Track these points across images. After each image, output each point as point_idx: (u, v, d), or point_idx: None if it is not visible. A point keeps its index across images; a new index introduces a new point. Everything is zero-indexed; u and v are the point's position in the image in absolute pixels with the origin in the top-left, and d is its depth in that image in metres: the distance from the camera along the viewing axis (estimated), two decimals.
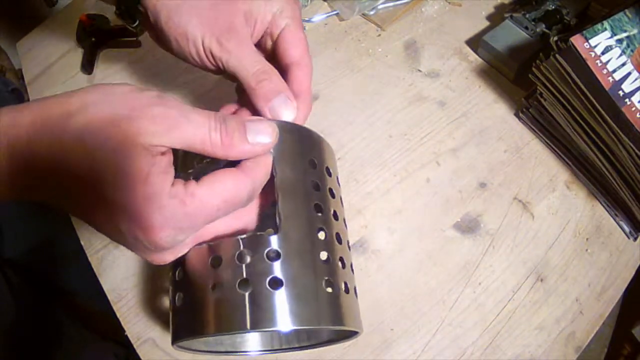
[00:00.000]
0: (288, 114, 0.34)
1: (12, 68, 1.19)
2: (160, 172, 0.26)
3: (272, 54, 0.38)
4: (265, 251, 0.29)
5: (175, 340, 0.31)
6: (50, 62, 0.61)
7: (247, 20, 0.36)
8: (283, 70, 0.37)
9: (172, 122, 0.27)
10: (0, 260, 0.65)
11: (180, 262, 0.31)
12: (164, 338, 0.43)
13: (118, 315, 0.45)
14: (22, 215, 0.68)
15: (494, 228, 0.48)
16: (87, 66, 0.59)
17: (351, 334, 0.35)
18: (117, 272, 0.47)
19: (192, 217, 0.27)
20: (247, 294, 0.28)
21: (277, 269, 0.29)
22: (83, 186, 0.26)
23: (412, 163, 0.51)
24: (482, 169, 0.51)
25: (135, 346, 0.43)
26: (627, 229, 0.48)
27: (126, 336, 0.44)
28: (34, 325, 0.63)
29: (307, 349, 0.39)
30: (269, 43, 0.38)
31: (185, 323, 0.30)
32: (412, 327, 0.44)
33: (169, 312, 0.32)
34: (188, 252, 0.30)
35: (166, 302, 0.45)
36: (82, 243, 0.48)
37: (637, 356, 1.02)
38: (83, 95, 0.27)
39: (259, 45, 0.38)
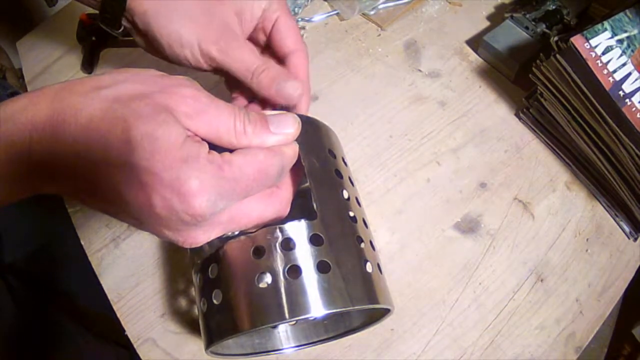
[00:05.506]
0: (293, 89, 0.35)
1: (12, 67, 1.19)
2: (196, 141, 0.26)
3: (267, 47, 0.39)
4: (309, 236, 0.29)
5: (216, 339, 0.30)
6: (50, 61, 0.61)
7: (239, 18, 0.36)
8: (280, 61, 0.37)
9: (202, 107, 0.27)
10: (1, 265, 0.65)
11: (214, 259, 0.30)
12: (164, 338, 0.43)
13: (118, 315, 0.45)
14: (21, 221, 0.68)
15: (495, 228, 0.48)
16: (87, 66, 0.59)
17: (382, 316, 0.36)
18: (117, 272, 0.47)
19: (231, 182, 0.26)
20: (298, 280, 0.28)
21: (324, 253, 0.29)
22: (113, 157, 0.24)
23: (413, 163, 0.51)
24: (482, 169, 0.51)
25: (135, 346, 0.43)
26: (627, 229, 0.48)
27: (126, 336, 0.44)
28: (34, 328, 0.63)
29: (336, 339, 0.39)
30: (262, 37, 0.38)
31: (230, 320, 0.29)
32: (412, 327, 0.44)
33: (199, 314, 0.32)
34: (224, 246, 0.30)
35: (166, 302, 0.45)
36: (82, 243, 0.48)
37: (637, 356, 1.02)
38: (114, 74, 0.27)
39: (252, 40, 0.39)
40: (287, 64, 0.37)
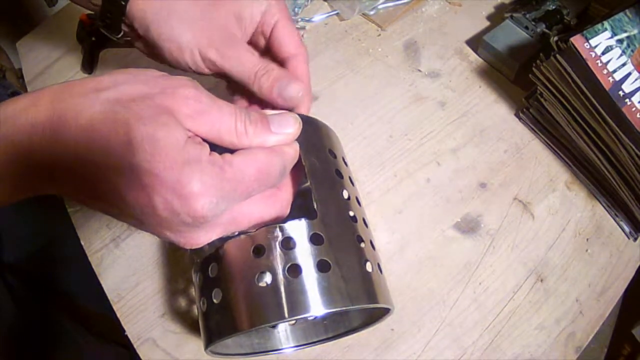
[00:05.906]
0: (295, 91, 0.35)
1: (12, 68, 1.19)
2: (197, 142, 0.26)
3: (267, 50, 0.39)
4: (309, 235, 0.29)
5: (216, 339, 0.30)
6: (50, 61, 0.61)
7: (238, 21, 0.36)
8: (280, 64, 0.37)
9: (203, 107, 0.27)
10: (1, 265, 0.65)
11: (215, 258, 0.30)
12: (164, 338, 0.43)
13: (118, 315, 0.45)
14: (21, 221, 0.68)
15: (494, 228, 0.48)
16: (87, 66, 0.59)
17: (381, 315, 0.36)
18: (117, 272, 0.47)
19: (233, 183, 0.26)
20: (298, 279, 0.28)
21: (324, 252, 0.29)
22: (114, 158, 0.24)
23: (413, 163, 0.51)
24: (482, 169, 0.51)
25: (135, 346, 0.43)
26: (627, 229, 0.48)
27: (126, 337, 0.44)
28: (34, 328, 0.63)
29: (336, 339, 0.39)
30: (262, 41, 0.38)
31: (229, 319, 0.29)
32: (412, 327, 0.44)
33: (199, 314, 0.32)
34: (224, 246, 0.30)
35: (166, 302, 0.45)
36: (82, 243, 0.48)
37: (637, 356, 1.02)
38: (114, 75, 0.27)
39: (252, 43, 0.39)
40: (287, 67, 0.37)
